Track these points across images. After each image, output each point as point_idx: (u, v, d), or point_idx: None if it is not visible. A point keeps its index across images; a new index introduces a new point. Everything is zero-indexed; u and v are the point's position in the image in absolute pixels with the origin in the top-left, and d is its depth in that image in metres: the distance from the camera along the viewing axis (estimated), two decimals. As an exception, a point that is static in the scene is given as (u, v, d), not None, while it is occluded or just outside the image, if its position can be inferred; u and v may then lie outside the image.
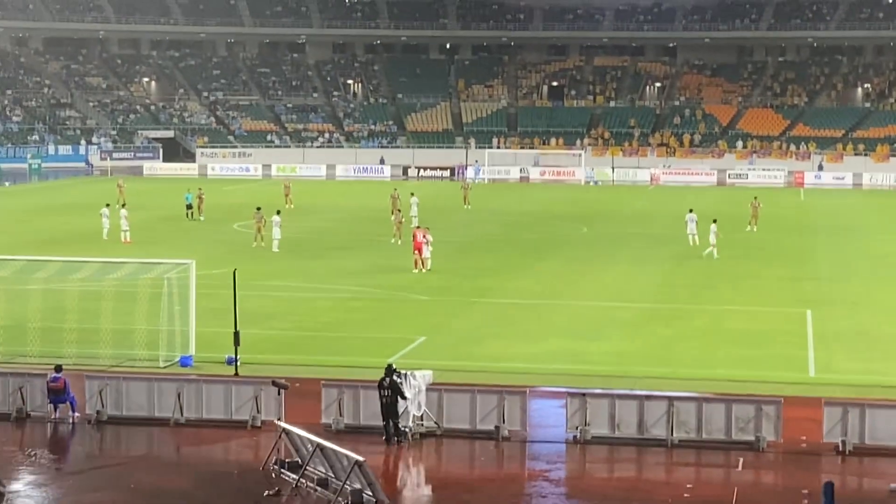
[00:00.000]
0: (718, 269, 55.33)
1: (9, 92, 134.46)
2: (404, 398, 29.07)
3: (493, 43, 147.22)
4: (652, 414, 29.56)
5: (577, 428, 29.59)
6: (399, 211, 66.98)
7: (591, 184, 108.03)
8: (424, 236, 53.80)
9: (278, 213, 62.14)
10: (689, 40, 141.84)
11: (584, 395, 30.07)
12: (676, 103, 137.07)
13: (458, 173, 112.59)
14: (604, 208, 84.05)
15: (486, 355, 37.14)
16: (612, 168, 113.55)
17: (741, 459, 28.16)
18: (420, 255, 53.53)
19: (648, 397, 30.13)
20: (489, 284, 50.47)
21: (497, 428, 29.72)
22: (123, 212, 63.43)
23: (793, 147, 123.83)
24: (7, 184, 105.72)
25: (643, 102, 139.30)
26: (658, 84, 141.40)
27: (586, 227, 71.66)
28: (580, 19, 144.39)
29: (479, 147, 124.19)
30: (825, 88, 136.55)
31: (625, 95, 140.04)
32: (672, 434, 29.25)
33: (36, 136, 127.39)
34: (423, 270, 52.92)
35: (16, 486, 26.48)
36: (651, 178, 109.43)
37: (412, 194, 73.67)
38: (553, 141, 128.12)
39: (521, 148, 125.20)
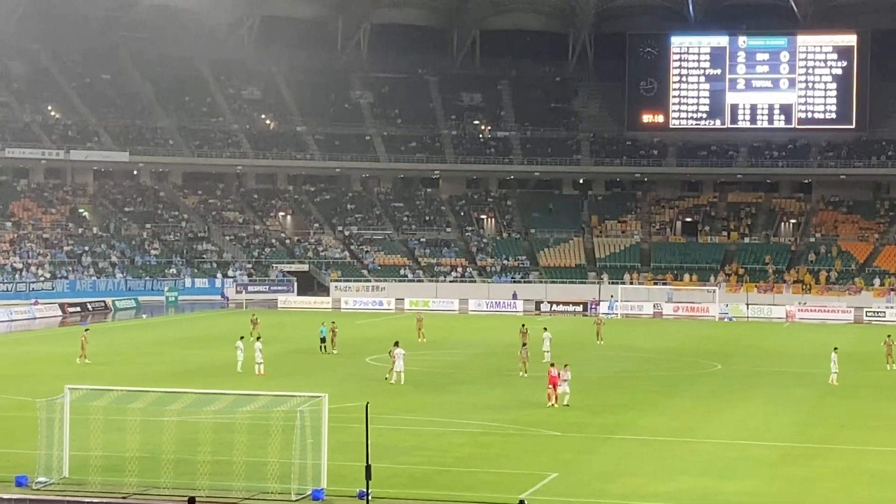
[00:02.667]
0: (856, 408, 54.27)
1: (148, 226, 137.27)
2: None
3: (627, 178, 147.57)
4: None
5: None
6: (525, 345, 66.89)
7: (726, 320, 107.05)
8: (559, 374, 53.46)
9: (396, 343, 62.00)
10: (825, 177, 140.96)
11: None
12: (812, 240, 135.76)
13: (591, 308, 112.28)
14: (738, 345, 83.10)
15: (619, 493, 36.65)
16: (747, 304, 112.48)
17: None
18: (555, 389, 53.08)
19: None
20: (622, 421, 49.96)
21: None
22: (258, 344, 64.02)
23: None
24: (145, 316, 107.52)
25: (778, 239, 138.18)
26: (793, 220, 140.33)
27: (720, 363, 70.85)
28: (714, 155, 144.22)
29: (612, 282, 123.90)
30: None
31: (759, 231, 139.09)
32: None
33: (173, 269, 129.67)
34: (556, 405, 52.51)
35: None
36: (786, 316, 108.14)
37: (545, 329, 73.46)
38: (686, 276, 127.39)
39: (654, 283, 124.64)
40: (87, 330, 73.28)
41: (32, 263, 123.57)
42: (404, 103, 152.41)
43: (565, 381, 53.73)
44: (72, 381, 42.59)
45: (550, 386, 53.32)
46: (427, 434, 46.63)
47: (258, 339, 65.78)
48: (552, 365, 55.06)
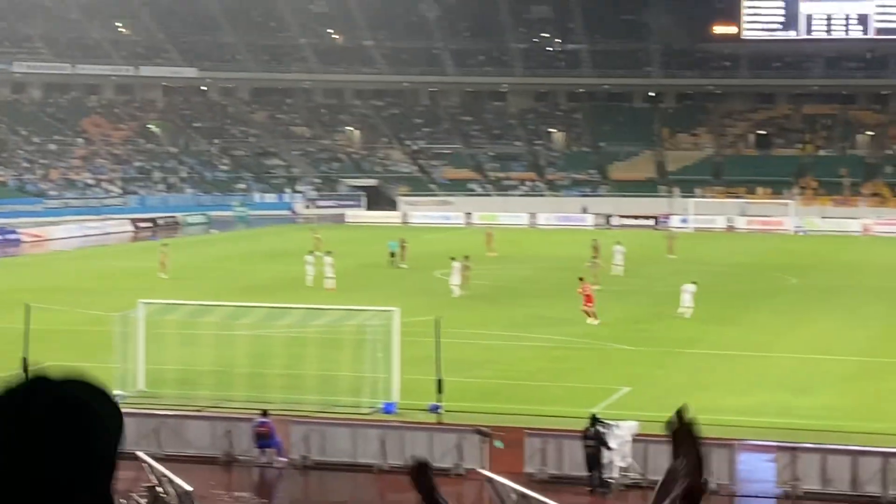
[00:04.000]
0: (933, 321, 53.62)
1: (217, 141, 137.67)
2: (609, 449, 28.60)
3: (699, 91, 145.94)
4: (866, 470, 28.61)
5: (787, 483, 28.77)
6: (596, 258, 66.70)
7: (801, 234, 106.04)
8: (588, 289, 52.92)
9: (463, 257, 62.08)
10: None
11: (794, 449, 29.25)
12: (889, 152, 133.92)
13: (662, 222, 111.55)
14: (813, 259, 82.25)
15: (693, 407, 36.20)
16: (822, 218, 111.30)
17: None
18: (591, 306, 52.15)
19: (862, 453, 29.19)
20: (695, 335, 49.61)
21: (705, 480, 29.01)
22: (328, 259, 64.04)
23: None
24: (214, 231, 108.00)
25: (854, 151, 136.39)
26: (870, 132, 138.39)
27: (795, 277, 70.16)
28: (788, 67, 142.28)
29: (683, 196, 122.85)
30: None
31: (835, 144, 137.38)
32: (886, 491, 28.24)
33: (242, 185, 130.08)
34: (596, 322, 51.58)
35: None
36: (863, 229, 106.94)
37: (618, 242, 73.02)
38: (760, 190, 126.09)
39: (727, 197, 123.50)
40: (164, 245, 73.51)
41: (103, 179, 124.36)
42: (472, 16, 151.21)
43: (689, 293, 53.25)
44: (145, 295, 42.79)
45: (587, 305, 52.19)
46: (497, 348, 46.55)
47: (328, 253, 65.77)
48: (581, 279, 54.41)
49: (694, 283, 55.18)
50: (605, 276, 65.91)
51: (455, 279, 60.39)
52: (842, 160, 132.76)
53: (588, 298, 52.17)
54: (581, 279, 54.25)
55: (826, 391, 38.95)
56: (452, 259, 61.74)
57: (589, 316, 51.70)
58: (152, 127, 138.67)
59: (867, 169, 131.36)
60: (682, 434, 3.18)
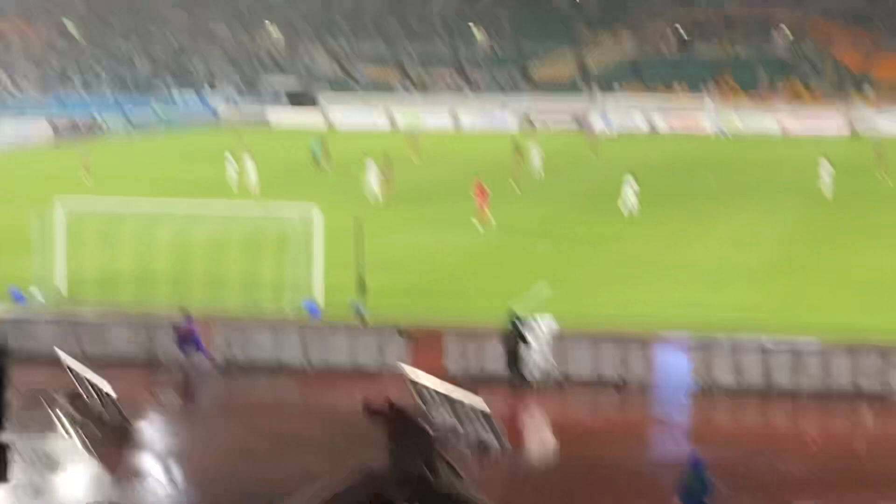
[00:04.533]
0: (847, 219, 54.50)
1: (136, 41, 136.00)
2: (528, 346, 29.09)
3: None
4: (778, 363, 29.30)
5: (701, 377, 29.42)
6: (517, 160, 67.16)
7: (719, 133, 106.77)
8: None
9: (384, 157, 62.38)
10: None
11: (708, 343, 29.87)
12: (806, 50, 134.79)
13: (583, 122, 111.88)
14: (731, 157, 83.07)
15: (611, 304, 36.96)
16: (740, 117, 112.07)
17: (869, 410, 27.80)
18: (484, 208, 51.73)
19: (774, 346, 29.84)
20: (614, 233, 50.20)
21: (621, 376, 29.64)
22: (250, 160, 63.96)
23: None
24: (134, 132, 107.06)
25: (772, 50, 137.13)
26: (787, 31, 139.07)
27: (713, 175, 70.88)
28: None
29: (604, 95, 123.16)
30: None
31: (753, 43, 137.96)
32: (798, 383, 28.96)
33: (162, 85, 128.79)
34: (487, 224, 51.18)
35: (146, 429, 26.97)
36: (780, 127, 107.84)
37: (535, 143, 73.47)
38: (679, 89, 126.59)
39: (648, 97, 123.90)
40: (87, 149, 72.82)
41: (20, 80, 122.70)
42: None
43: (635, 192, 54.13)
44: (63, 196, 42.58)
45: (483, 206, 51.79)
46: (420, 247, 46.88)
47: (249, 154, 65.62)
48: (477, 178, 53.84)
49: (631, 174, 55.87)
50: (525, 177, 66.46)
51: (371, 178, 60.54)
52: (760, 59, 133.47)
53: (481, 198, 51.88)
54: (476, 177, 53.70)
55: (740, 287, 39.66)
56: (367, 159, 61.88)
57: (483, 218, 51.43)
58: (70, 27, 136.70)
59: (784, 68, 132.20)
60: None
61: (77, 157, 70.18)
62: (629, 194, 54.84)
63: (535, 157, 70.88)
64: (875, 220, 54.07)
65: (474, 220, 50.87)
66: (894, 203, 59.39)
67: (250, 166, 63.42)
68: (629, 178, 55.30)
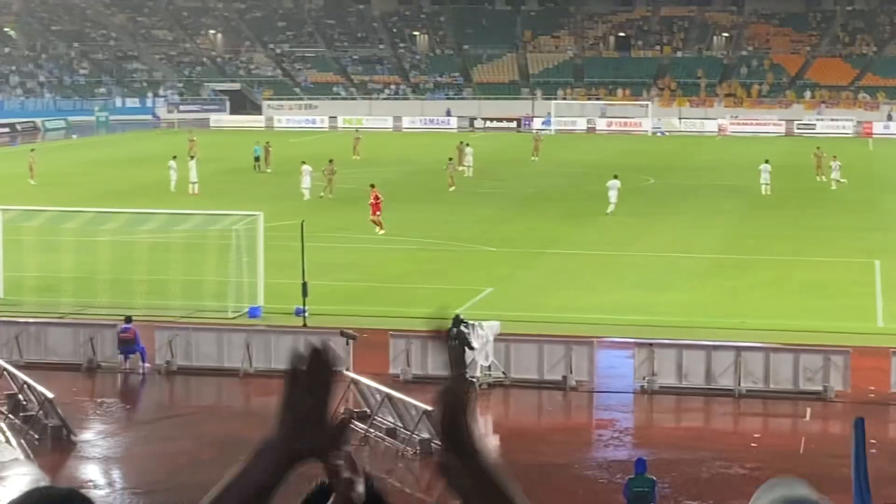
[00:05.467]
0: (787, 219, 54.93)
1: (76, 45, 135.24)
2: (472, 349, 29.12)
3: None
4: (719, 364, 29.52)
5: (644, 378, 29.59)
6: (451, 160, 67.36)
7: (658, 135, 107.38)
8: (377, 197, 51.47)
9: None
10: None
11: (651, 345, 30.06)
12: (744, 53, 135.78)
13: (525, 124, 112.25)
14: (671, 159, 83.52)
15: (554, 306, 37.10)
16: (679, 119, 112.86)
17: (809, 409, 28.06)
18: (377, 214, 50.84)
19: (716, 347, 30.10)
20: (556, 235, 50.35)
21: (565, 378, 29.75)
22: (193, 164, 63.75)
23: (862, 97, 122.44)
24: (75, 136, 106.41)
25: (710, 53, 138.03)
26: (726, 34, 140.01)
27: (653, 178, 71.25)
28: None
29: (546, 98, 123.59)
30: (894, 37, 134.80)
31: (692, 46, 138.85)
32: (739, 384, 29.19)
33: (103, 90, 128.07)
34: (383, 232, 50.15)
35: (86, 435, 26.81)
36: (719, 129, 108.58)
37: (466, 144, 73.69)
38: (620, 92, 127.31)
39: (588, 99, 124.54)
40: (32, 150, 71.93)
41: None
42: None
43: (615, 189, 54.60)
44: (6, 202, 42.30)
45: (375, 214, 50.82)
46: (363, 251, 46.89)
47: (192, 158, 65.43)
48: (373, 186, 52.69)
49: (615, 177, 56.26)
50: (461, 179, 66.74)
51: (305, 182, 60.54)
52: (698, 62, 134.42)
53: (376, 206, 50.88)
54: (372, 186, 52.54)
55: (683, 288, 39.92)
56: (303, 163, 61.86)
57: (376, 225, 50.50)
58: (8, 30, 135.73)
59: (723, 70, 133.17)
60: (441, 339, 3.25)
61: (17, 158, 69.62)
62: (612, 196, 55.46)
63: (465, 156, 71.15)
64: (814, 221, 54.51)
65: (381, 231, 50.06)
66: (833, 204, 59.92)
67: (193, 169, 63.22)
68: (612, 182, 55.85)
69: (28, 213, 41.70)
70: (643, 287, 39.91)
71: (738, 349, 29.78)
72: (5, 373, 28.37)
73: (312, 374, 3.00)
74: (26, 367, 29.40)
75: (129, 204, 52.00)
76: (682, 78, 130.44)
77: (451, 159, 67.70)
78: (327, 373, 3.02)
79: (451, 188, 64.15)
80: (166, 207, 48.47)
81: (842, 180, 64.64)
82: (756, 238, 50.09)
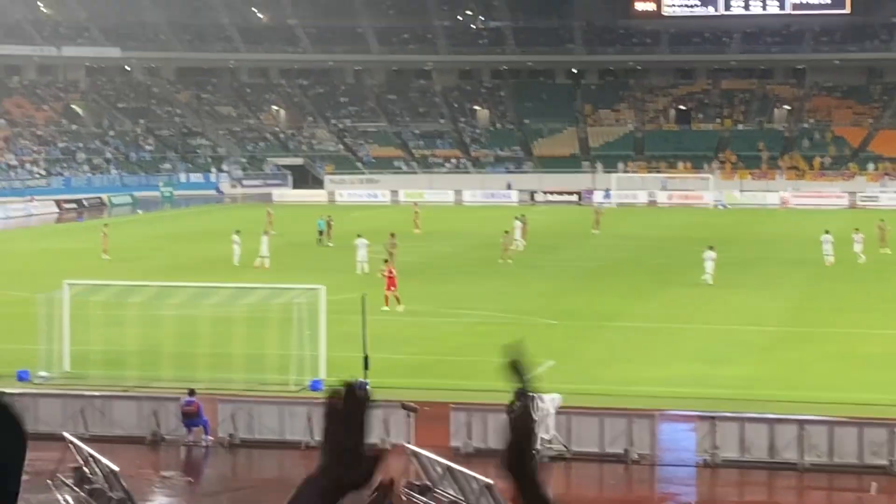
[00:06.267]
0: (851, 292, 54.60)
1: (141, 121, 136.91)
2: (534, 421, 29.07)
3: (620, 67, 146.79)
4: (782, 437, 29.32)
5: (706, 451, 29.42)
6: (506, 233, 67.53)
7: (720, 207, 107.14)
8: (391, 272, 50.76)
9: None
10: (819, 62, 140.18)
11: (713, 418, 29.90)
12: (806, 126, 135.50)
13: (585, 198, 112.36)
14: (733, 232, 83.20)
15: (615, 379, 37.02)
16: (741, 191, 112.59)
17: (874, 484, 27.77)
18: (392, 290, 49.73)
19: (779, 420, 29.91)
20: (618, 309, 50.27)
21: (626, 451, 29.64)
22: (265, 238, 64.35)
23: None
24: (140, 212, 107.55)
25: (772, 125, 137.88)
26: (787, 107, 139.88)
27: (715, 250, 70.93)
28: (707, 42, 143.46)
29: (606, 171, 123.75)
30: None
31: (753, 118, 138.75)
32: (803, 458, 28.97)
33: (168, 165, 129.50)
34: (393, 308, 49.15)
35: (151, 507, 26.97)
36: (781, 202, 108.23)
37: (516, 217, 73.78)
38: (680, 165, 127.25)
39: (649, 172, 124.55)
40: (106, 225, 72.49)
41: (27, 161, 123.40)
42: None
43: (711, 260, 55.22)
44: (72, 276, 42.80)
45: (390, 289, 49.72)
46: (424, 324, 46.97)
47: (266, 232, 66.11)
48: (386, 261, 52.63)
49: (711, 248, 56.30)
50: (518, 252, 67.06)
51: (361, 255, 60.76)
52: (760, 134, 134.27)
53: (391, 281, 50.09)
54: (386, 261, 52.36)
55: (744, 361, 39.70)
56: (358, 236, 62.06)
57: (391, 300, 49.47)
58: (76, 107, 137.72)
59: (784, 142, 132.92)
60: (514, 373, 3.49)
61: (85, 234, 70.34)
62: (708, 267, 55.59)
63: (515, 230, 71.16)
64: (879, 293, 54.14)
65: (386, 307, 49.02)
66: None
67: (265, 243, 63.71)
68: (708, 253, 55.98)
69: (94, 288, 42.14)
70: (705, 360, 39.75)
71: (802, 422, 29.59)
72: (71, 446, 28.61)
73: (347, 409, 3.18)
74: (91, 440, 29.64)
75: (194, 278, 52.43)
76: (743, 151, 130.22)
77: (506, 232, 67.91)
78: (360, 407, 3.20)
79: (507, 261, 64.42)
80: (230, 281, 48.82)
81: None
82: (819, 310, 49.82)
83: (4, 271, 62.70)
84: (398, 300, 49.63)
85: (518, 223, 72.42)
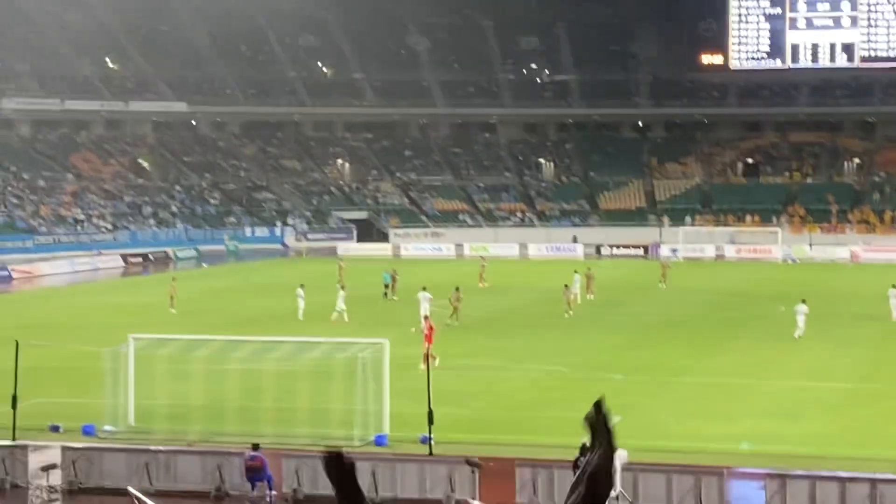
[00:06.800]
0: (923, 347, 53.82)
1: (207, 175, 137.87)
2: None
3: (687, 120, 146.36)
4: (854, 496, 28.74)
5: (777, 511, 28.89)
6: (567, 287, 67.11)
7: (789, 261, 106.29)
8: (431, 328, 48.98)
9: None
10: (888, 115, 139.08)
11: (783, 476, 29.36)
12: (876, 179, 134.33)
13: (652, 252, 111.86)
14: (802, 287, 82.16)
15: (683, 435, 36.53)
16: (810, 245, 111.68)
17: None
18: (429, 344, 46.46)
19: (850, 479, 29.30)
20: (685, 363, 49.76)
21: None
22: (341, 292, 64.24)
23: None
24: (205, 265, 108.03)
25: (841, 178, 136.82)
26: (856, 160, 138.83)
27: (784, 305, 70.19)
28: (775, 95, 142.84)
29: (673, 225, 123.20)
30: None
31: (822, 172, 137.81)
32: (877, 518, 28.38)
33: (233, 219, 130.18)
34: (429, 365, 43.67)
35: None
36: (851, 256, 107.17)
37: (575, 272, 73.27)
38: (748, 218, 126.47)
39: (716, 226, 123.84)
40: (174, 279, 72.36)
41: (94, 215, 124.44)
42: (461, 48, 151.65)
43: (803, 314, 54.50)
44: (135, 330, 42.84)
45: (428, 343, 46.59)
46: (489, 379, 46.65)
47: (341, 286, 65.89)
48: (426, 317, 51.18)
49: (803, 301, 55.77)
50: (586, 306, 66.65)
51: (423, 309, 60.26)
52: (829, 187, 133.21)
53: (428, 338, 47.87)
54: (426, 317, 50.87)
55: (814, 418, 39.09)
56: (423, 288, 61.63)
57: (430, 357, 44.78)
58: (142, 161, 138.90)
59: (854, 196, 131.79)
60: (599, 425, 3.30)
61: (150, 287, 70.64)
62: (801, 321, 55.52)
63: (574, 284, 70.43)
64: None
65: (423, 366, 44.85)
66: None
67: (342, 297, 63.60)
68: (800, 307, 55.56)
69: (159, 342, 42.15)
70: (774, 416, 39.17)
71: (874, 481, 29.00)
72: (135, 500, 28.48)
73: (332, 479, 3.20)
74: (156, 494, 29.51)
75: (258, 332, 52.45)
76: (812, 204, 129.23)
77: (566, 286, 67.50)
78: (341, 475, 3.21)
79: (570, 314, 64.16)
80: (294, 335, 48.73)
81: None
82: (891, 367, 49.06)
83: (71, 325, 63.04)
84: (434, 357, 48.03)
85: (577, 276, 71.85)
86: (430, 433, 34.49)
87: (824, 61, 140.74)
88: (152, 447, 33.72)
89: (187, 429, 36.74)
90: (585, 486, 2.89)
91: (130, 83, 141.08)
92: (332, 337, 45.68)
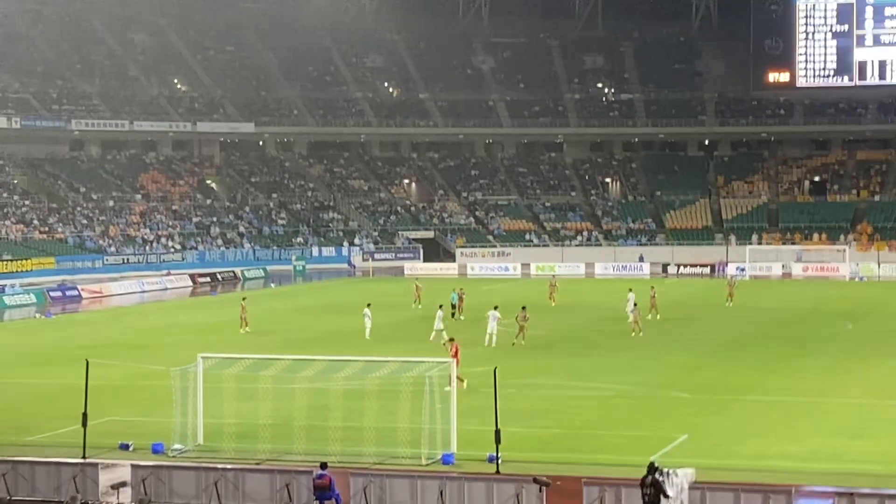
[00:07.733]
0: None
1: (274, 195, 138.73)
2: (667, 496, 28.68)
3: (753, 138, 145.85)
4: (925, 516, 28.56)
5: (845, 530, 28.74)
6: (635, 305, 66.90)
7: (857, 280, 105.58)
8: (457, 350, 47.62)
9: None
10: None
11: (852, 494, 29.21)
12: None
13: (719, 270, 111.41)
14: (870, 305, 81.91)
15: (749, 454, 36.41)
16: (878, 263, 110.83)
17: None
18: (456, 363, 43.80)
19: (921, 498, 29.11)
20: (752, 382, 49.57)
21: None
22: (440, 312, 63.41)
23: None
24: (273, 285, 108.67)
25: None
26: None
27: (852, 323, 69.93)
28: (842, 113, 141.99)
29: (740, 243, 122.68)
30: None
31: (890, 189, 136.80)
32: (947, 537, 28.19)
33: (300, 239, 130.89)
34: (459, 387, 42.00)
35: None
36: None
37: (630, 290, 72.95)
38: (816, 236, 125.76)
39: (783, 244, 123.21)
40: (244, 299, 72.44)
41: (162, 235, 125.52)
42: (526, 68, 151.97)
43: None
44: (204, 349, 43.22)
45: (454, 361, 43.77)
46: (556, 398, 46.67)
47: (441, 307, 64.95)
48: (452, 340, 49.32)
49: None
50: (654, 324, 66.40)
51: (491, 328, 60.57)
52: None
53: (455, 357, 45.39)
54: (451, 339, 49.63)
55: (883, 436, 38.83)
56: (495, 307, 61.86)
57: (458, 380, 42.92)
58: (210, 182, 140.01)
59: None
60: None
61: (219, 307, 71.17)
62: None
63: (628, 302, 69.94)
64: None
65: (448, 388, 40.63)
66: None
67: (440, 317, 63.27)
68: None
69: (227, 361, 42.50)
70: (843, 434, 38.96)
71: (944, 500, 28.80)
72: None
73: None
74: (224, 512, 29.72)
75: (326, 351, 52.74)
76: (879, 222, 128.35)
77: (635, 304, 67.37)
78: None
79: (639, 333, 64.00)
80: (361, 354, 48.99)
81: None
82: (960, 385, 48.66)
83: (141, 345, 63.65)
84: (461, 379, 46.99)
85: (632, 295, 71.15)
86: (497, 452, 34.58)
87: (892, 78, 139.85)
88: (221, 465, 34.00)
89: (255, 447, 37.03)
90: None
91: (198, 104, 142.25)
92: (398, 356, 45.83)
